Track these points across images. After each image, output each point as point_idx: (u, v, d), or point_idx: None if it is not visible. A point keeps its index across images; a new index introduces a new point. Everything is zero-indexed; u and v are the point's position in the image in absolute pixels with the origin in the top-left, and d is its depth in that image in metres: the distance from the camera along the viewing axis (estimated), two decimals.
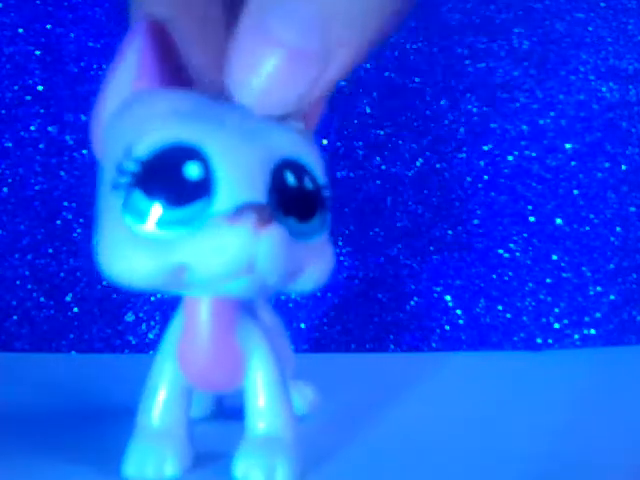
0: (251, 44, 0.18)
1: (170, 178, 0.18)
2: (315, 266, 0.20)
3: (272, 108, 0.18)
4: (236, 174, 0.18)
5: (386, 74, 0.41)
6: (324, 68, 0.18)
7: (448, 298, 0.45)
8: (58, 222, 0.42)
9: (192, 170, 0.18)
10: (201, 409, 0.28)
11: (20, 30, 0.43)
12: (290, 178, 0.19)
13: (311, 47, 0.18)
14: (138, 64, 0.20)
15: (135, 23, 0.21)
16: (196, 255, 0.18)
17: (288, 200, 0.19)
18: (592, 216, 0.45)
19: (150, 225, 0.18)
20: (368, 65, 0.43)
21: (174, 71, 0.21)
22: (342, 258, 0.44)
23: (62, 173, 0.43)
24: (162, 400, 0.23)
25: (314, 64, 0.18)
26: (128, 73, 0.21)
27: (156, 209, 0.18)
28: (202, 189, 0.18)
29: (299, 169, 0.20)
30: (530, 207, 0.45)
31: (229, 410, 0.28)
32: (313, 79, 0.18)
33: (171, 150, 0.18)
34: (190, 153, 0.18)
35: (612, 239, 0.45)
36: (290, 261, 0.19)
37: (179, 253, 0.18)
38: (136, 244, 0.18)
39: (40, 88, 0.43)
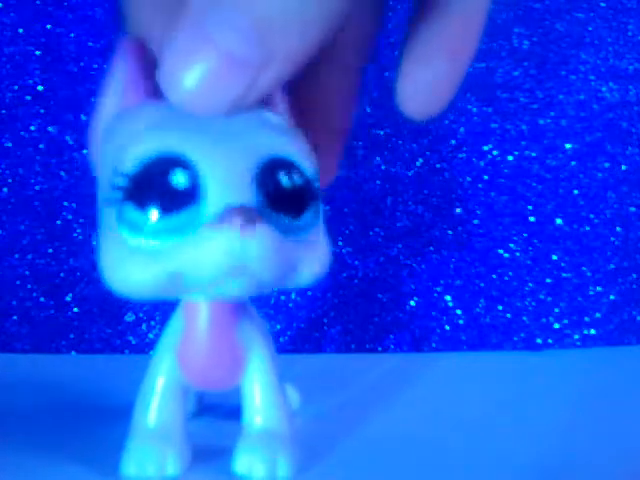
0: (187, 45, 0.18)
1: (158, 189, 0.19)
2: (310, 261, 0.20)
3: (201, 110, 0.19)
4: (222, 178, 0.19)
5: (386, 74, 0.41)
6: (258, 75, 0.18)
7: (448, 298, 0.45)
8: (58, 222, 0.42)
9: (179, 178, 0.19)
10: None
11: (20, 30, 0.43)
12: (278, 176, 0.19)
13: (247, 53, 0.18)
14: (124, 82, 0.21)
15: (119, 42, 0.21)
16: (188, 262, 0.18)
17: (277, 198, 0.19)
18: (592, 216, 0.45)
19: (144, 236, 0.19)
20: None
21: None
22: (342, 258, 0.44)
23: (62, 173, 0.43)
24: (160, 399, 0.23)
25: (248, 70, 0.18)
26: (116, 92, 0.21)
27: (147, 220, 0.19)
28: (190, 196, 0.19)
29: (286, 165, 0.20)
30: (530, 207, 0.45)
31: (209, 408, 0.29)
32: (246, 85, 0.18)
33: (156, 161, 0.19)
34: (175, 162, 0.19)
35: (612, 239, 0.45)
36: (283, 259, 0.19)
37: (172, 261, 0.19)
38: (132, 256, 0.19)
39: (40, 88, 0.43)
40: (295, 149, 0.20)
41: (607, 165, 0.46)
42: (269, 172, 0.19)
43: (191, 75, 0.18)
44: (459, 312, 0.45)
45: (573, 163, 0.45)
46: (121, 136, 0.20)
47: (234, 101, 0.19)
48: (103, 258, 0.20)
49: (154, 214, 0.19)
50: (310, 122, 0.23)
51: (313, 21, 0.18)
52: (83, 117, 0.42)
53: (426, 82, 0.23)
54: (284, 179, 0.19)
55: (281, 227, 0.19)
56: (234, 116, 0.19)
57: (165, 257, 0.19)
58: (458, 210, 0.45)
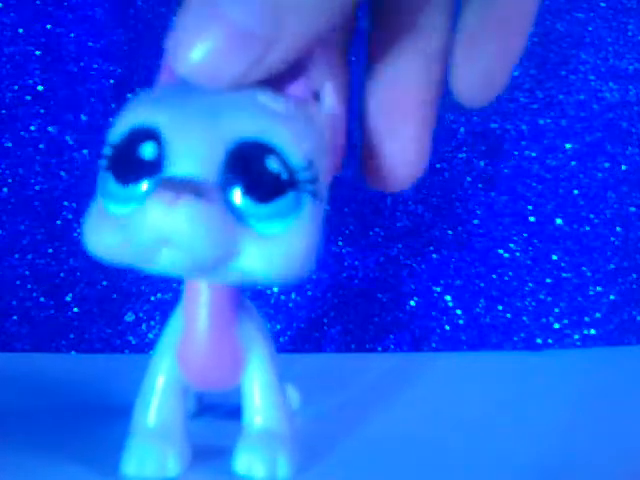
0: (196, 17, 0.18)
1: (128, 158, 0.19)
2: (260, 254, 0.19)
3: (205, 83, 0.19)
4: (185, 152, 0.19)
5: None
6: (266, 52, 0.18)
7: (448, 298, 0.45)
8: (58, 222, 0.42)
9: (147, 150, 0.19)
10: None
11: (20, 30, 0.43)
12: (249, 158, 0.19)
13: (256, 29, 0.18)
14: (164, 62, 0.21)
15: None
16: (132, 230, 0.19)
17: (244, 180, 0.19)
18: (592, 216, 0.45)
19: (114, 203, 0.19)
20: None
21: None
22: (342, 258, 0.44)
23: (62, 173, 0.43)
24: (160, 398, 0.23)
25: (256, 46, 0.18)
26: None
27: (117, 188, 0.19)
28: (155, 168, 0.19)
29: (261, 149, 0.19)
30: (530, 207, 0.45)
31: (209, 408, 0.29)
32: (253, 61, 0.18)
33: (132, 133, 0.19)
34: (147, 134, 0.19)
35: (612, 239, 0.45)
36: (221, 239, 0.19)
37: (128, 229, 0.19)
38: (104, 220, 0.20)
39: (40, 88, 0.43)
40: (283, 134, 0.19)
41: (607, 165, 0.46)
42: (241, 153, 0.19)
43: (197, 47, 0.18)
44: (459, 312, 0.45)
45: (573, 163, 0.45)
46: (122, 111, 0.21)
47: (239, 76, 0.18)
48: (85, 220, 0.20)
49: (120, 182, 0.19)
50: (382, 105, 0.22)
51: (327, 2, 0.18)
52: (83, 117, 0.42)
53: (481, 69, 0.23)
54: (255, 162, 0.19)
55: (244, 210, 0.19)
56: (224, 95, 0.19)
57: (123, 224, 0.19)
58: (458, 210, 0.45)
